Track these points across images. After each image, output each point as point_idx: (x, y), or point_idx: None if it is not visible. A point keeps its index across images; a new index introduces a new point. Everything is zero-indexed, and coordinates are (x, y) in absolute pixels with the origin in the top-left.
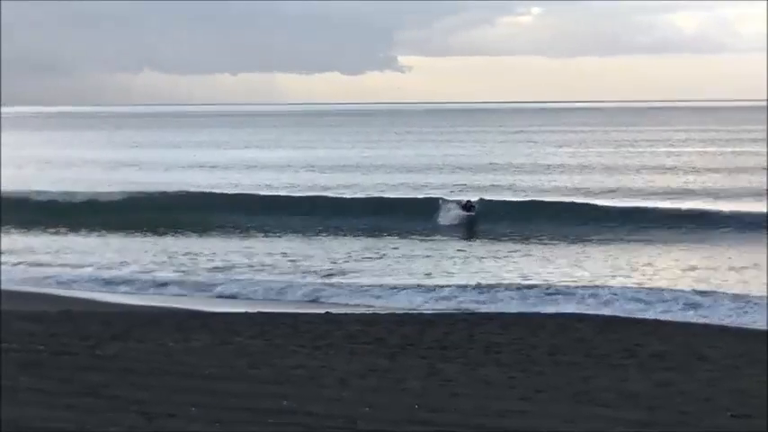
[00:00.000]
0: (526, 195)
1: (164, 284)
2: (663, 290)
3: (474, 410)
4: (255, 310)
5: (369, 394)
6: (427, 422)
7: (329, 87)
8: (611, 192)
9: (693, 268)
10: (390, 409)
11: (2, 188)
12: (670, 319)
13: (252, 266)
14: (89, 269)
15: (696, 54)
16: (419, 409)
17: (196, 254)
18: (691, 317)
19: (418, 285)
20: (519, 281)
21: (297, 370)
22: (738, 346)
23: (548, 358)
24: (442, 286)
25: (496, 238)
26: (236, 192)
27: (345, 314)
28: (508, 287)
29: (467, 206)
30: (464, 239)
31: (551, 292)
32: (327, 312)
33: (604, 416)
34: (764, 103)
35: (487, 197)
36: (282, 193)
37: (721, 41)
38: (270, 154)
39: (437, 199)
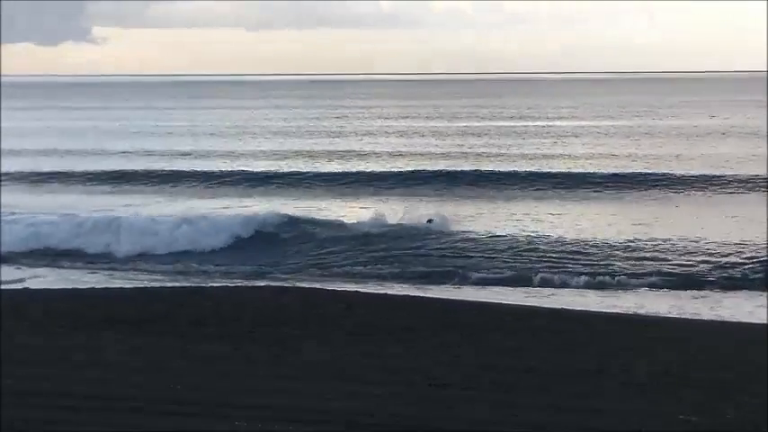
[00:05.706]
0: None
1: None
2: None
3: (236, 390)
4: None
5: (129, 374)
6: (184, 401)
7: (22, 59)
8: None
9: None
10: (150, 388)
11: None
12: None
13: None
14: None
15: (393, 28)
16: (180, 389)
17: None
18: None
19: None
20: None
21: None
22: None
23: (298, 334)
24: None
25: None
26: None
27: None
28: None
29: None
30: None
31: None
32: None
33: (363, 392)
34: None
35: None
36: None
37: (416, 16)
38: None
39: None
